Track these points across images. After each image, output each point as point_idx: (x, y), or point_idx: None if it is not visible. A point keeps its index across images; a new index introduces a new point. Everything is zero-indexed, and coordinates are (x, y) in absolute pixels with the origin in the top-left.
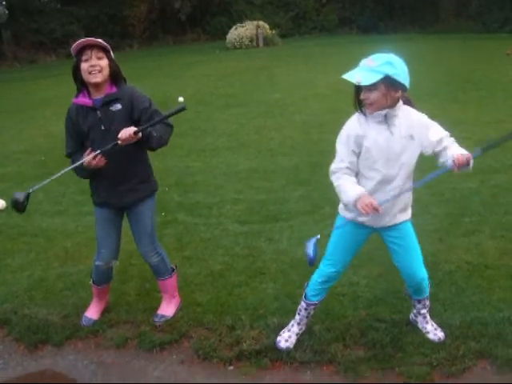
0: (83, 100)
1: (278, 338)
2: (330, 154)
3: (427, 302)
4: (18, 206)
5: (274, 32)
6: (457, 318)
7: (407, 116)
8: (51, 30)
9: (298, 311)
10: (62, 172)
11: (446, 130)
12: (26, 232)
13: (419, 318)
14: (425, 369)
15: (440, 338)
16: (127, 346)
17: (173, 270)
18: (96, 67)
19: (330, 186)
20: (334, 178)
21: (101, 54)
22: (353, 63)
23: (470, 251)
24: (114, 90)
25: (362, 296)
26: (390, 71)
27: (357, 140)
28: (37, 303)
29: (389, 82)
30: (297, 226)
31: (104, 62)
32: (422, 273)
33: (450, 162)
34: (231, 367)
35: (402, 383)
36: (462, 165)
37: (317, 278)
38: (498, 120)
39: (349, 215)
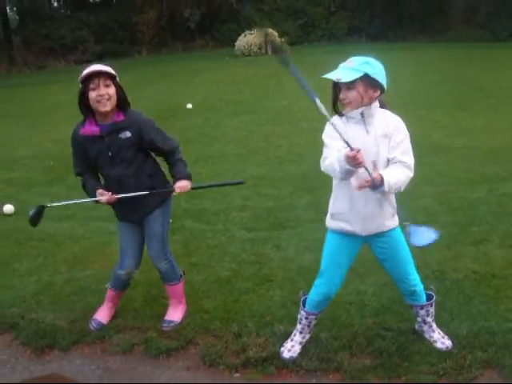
0: (90, 129)
1: (281, 349)
2: None
3: (431, 310)
4: (30, 221)
5: (282, 40)
6: (464, 327)
7: (384, 117)
8: (61, 35)
9: (299, 320)
10: (83, 201)
11: (456, 137)
12: (33, 237)
13: (425, 327)
14: (431, 378)
15: (448, 347)
16: (133, 351)
17: (181, 276)
18: (105, 96)
19: None
20: (325, 165)
21: (108, 82)
22: None
23: (478, 260)
24: (122, 117)
25: (368, 304)
26: (369, 70)
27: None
28: (44, 308)
29: (367, 81)
30: (304, 234)
31: (112, 90)
32: (415, 277)
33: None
34: (237, 374)
35: None
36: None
37: (313, 296)
38: (508, 128)
39: (336, 225)
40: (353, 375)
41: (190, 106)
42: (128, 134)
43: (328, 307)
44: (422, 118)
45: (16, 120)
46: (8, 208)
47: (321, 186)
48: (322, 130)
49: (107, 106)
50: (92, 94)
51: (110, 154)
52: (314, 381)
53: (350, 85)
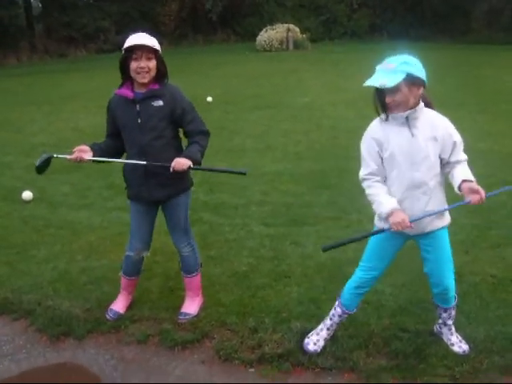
0: (125, 92)
1: (307, 340)
2: (357, 159)
3: (453, 313)
4: (37, 170)
5: (304, 36)
6: (481, 331)
7: (430, 118)
8: (83, 24)
9: (331, 316)
10: (100, 159)
11: (476, 140)
12: (51, 224)
13: (444, 330)
14: (447, 381)
15: (465, 351)
16: (148, 342)
17: (201, 265)
18: (144, 69)
19: (357, 193)
20: (365, 186)
21: (151, 55)
22: None
23: (496, 264)
24: (157, 86)
25: (385, 305)
26: (410, 69)
27: (380, 143)
28: (60, 295)
29: (410, 81)
30: (323, 231)
31: (152, 64)
32: (450, 283)
33: (466, 199)
34: (252, 369)
35: None
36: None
37: (352, 283)
38: None
39: (386, 226)
40: (368, 375)
41: (209, 98)
42: (161, 102)
43: None
44: None
45: (36, 107)
46: (27, 194)
47: (340, 184)
48: (342, 129)
49: (145, 78)
50: (133, 65)
51: (139, 120)
52: (329, 379)
53: (395, 88)
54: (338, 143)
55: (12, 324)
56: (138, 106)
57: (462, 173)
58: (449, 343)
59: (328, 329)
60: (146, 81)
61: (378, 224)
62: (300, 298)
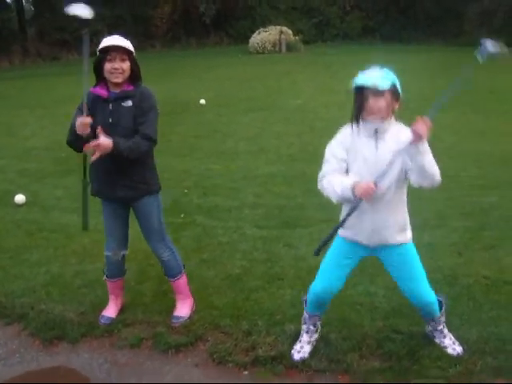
0: (100, 91)
1: (292, 351)
2: None
3: (442, 319)
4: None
5: (297, 38)
6: (474, 333)
7: (396, 131)
8: (75, 28)
9: (304, 321)
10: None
11: (468, 141)
12: (44, 228)
13: (436, 333)
14: (441, 383)
15: (459, 353)
16: (142, 346)
17: (181, 270)
18: (118, 70)
19: None
20: (323, 183)
21: (124, 57)
22: None
23: (489, 266)
24: (131, 88)
25: (379, 307)
26: (395, 81)
27: (347, 150)
28: (53, 299)
29: (393, 92)
30: (316, 234)
31: (126, 65)
32: (430, 297)
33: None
34: (246, 372)
35: None
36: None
37: (310, 295)
38: None
39: (344, 233)
40: (362, 377)
41: (203, 101)
42: (130, 102)
43: (338, 308)
44: (434, 121)
45: (29, 111)
46: (19, 198)
47: None
48: (335, 131)
49: (119, 79)
50: (107, 66)
51: (110, 120)
52: (322, 381)
53: (381, 93)
54: None
55: (5, 328)
56: (110, 106)
57: None
58: (442, 346)
59: (307, 332)
60: (119, 81)
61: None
62: (293, 301)
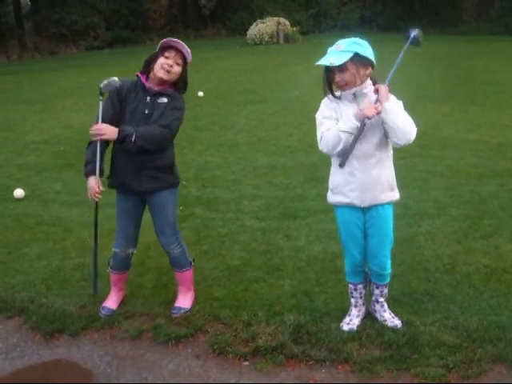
0: (144, 80)
1: (341, 324)
2: None
3: (385, 291)
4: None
5: (294, 29)
6: (474, 321)
7: (373, 93)
8: (72, 21)
9: (350, 294)
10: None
11: (466, 131)
12: (43, 221)
13: (377, 307)
14: (441, 371)
15: (397, 325)
16: (142, 338)
17: (191, 263)
18: (169, 69)
19: None
20: (323, 138)
21: (180, 61)
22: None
23: (489, 254)
24: (170, 90)
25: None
26: (357, 49)
27: (335, 111)
28: (53, 293)
29: (358, 60)
30: (314, 224)
31: (178, 69)
32: (385, 261)
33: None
34: (246, 363)
35: (417, 383)
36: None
37: (346, 267)
38: None
39: (335, 199)
40: (362, 366)
41: (201, 93)
42: (165, 99)
43: (338, 298)
44: (432, 111)
45: (27, 105)
46: (19, 192)
47: None
48: None
49: (165, 76)
50: (161, 60)
51: (146, 111)
52: (322, 371)
53: (343, 67)
54: None
55: (5, 322)
56: (148, 98)
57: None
58: (382, 320)
59: (355, 306)
60: (165, 77)
61: (330, 199)
62: (293, 291)
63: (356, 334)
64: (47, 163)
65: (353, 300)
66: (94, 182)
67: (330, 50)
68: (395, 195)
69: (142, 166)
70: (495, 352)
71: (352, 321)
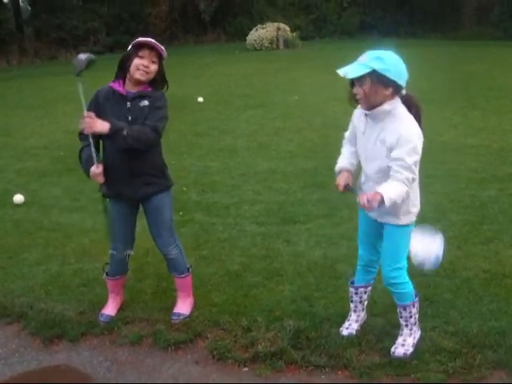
0: (119, 88)
1: (340, 329)
2: None
3: (403, 313)
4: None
5: (294, 34)
6: (474, 326)
7: (394, 122)
8: (73, 26)
9: (350, 298)
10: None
11: (467, 136)
12: (43, 227)
13: (405, 330)
14: (440, 376)
15: (394, 354)
16: (142, 343)
17: (189, 269)
18: (147, 68)
19: None
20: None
21: (156, 59)
22: None
23: (489, 259)
24: (149, 89)
25: (378, 301)
26: (377, 66)
27: (356, 119)
28: (53, 298)
29: (376, 77)
30: (314, 229)
31: (154, 67)
32: (392, 277)
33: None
34: (246, 368)
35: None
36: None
37: (358, 261)
38: None
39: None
40: (361, 372)
41: (200, 99)
42: (146, 102)
43: (337, 303)
44: (432, 116)
45: (27, 110)
46: (18, 198)
47: (331, 181)
48: (334, 127)
49: (143, 76)
50: (137, 61)
51: (129, 118)
52: (322, 377)
53: (360, 81)
54: (330, 141)
55: (4, 328)
56: (128, 104)
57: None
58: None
59: (354, 311)
60: (142, 78)
61: None
62: (293, 296)
63: (356, 339)
64: (47, 168)
65: (352, 305)
66: (93, 169)
67: (358, 59)
68: (397, 220)
69: (133, 173)
70: (495, 358)
71: (351, 325)
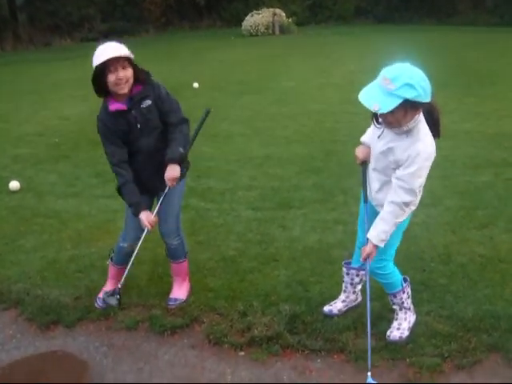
0: (117, 106)
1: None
2: (343, 143)
3: (394, 300)
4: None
5: (290, 20)
6: (469, 310)
7: (408, 140)
8: (67, 13)
9: (342, 278)
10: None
11: (462, 122)
12: (39, 213)
13: (400, 314)
14: (436, 360)
15: (389, 337)
16: (138, 328)
17: (186, 254)
18: (123, 79)
19: (343, 175)
20: None
21: (125, 64)
22: (368, 53)
23: (484, 244)
24: (140, 88)
25: (374, 286)
26: (410, 95)
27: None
28: (49, 284)
29: (409, 105)
30: (310, 214)
31: (129, 72)
32: (374, 268)
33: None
34: (242, 353)
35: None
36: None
37: (356, 248)
38: None
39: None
40: (357, 356)
41: (196, 85)
42: (149, 101)
43: (334, 287)
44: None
45: (22, 96)
46: (14, 184)
47: (326, 166)
48: (329, 112)
49: (125, 89)
50: (111, 78)
51: (138, 126)
52: (318, 361)
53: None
54: (325, 127)
55: (1, 314)
56: (133, 112)
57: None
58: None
59: (344, 291)
60: (126, 91)
61: None
62: (288, 281)
63: (351, 323)
64: (42, 155)
65: (343, 285)
66: (145, 216)
67: (379, 80)
68: None
69: (158, 170)
70: (490, 341)
71: (335, 304)
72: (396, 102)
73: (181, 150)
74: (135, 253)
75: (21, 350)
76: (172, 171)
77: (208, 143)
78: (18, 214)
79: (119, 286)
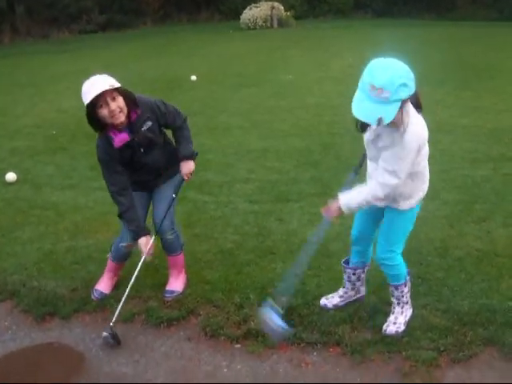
0: (122, 137)
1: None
2: (341, 136)
3: (395, 293)
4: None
5: (288, 13)
6: (465, 304)
7: (401, 136)
8: (65, 5)
9: (343, 272)
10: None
11: (460, 116)
12: (36, 205)
13: (397, 308)
14: (432, 354)
15: (386, 331)
16: (134, 321)
17: (182, 246)
18: (116, 110)
19: (341, 169)
20: None
21: (114, 94)
22: (366, 47)
23: (481, 238)
24: (138, 112)
25: (370, 279)
26: (405, 94)
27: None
28: (45, 276)
29: (403, 102)
30: (307, 207)
31: (120, 102)
32: (383, 257)
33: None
34: (238, 345)
35: None
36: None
37: (351, 241)
38: None
39: None
40: (353, 349)
41: (194, 77)
42: (149, 123)
43: (331, 281)
44: (426, 96)
45: (19, 89)
46: (11, 176)
47: (324, 160)
48: (327, 106)
49: (122, 117)
50: (104, 112)
51: (142, 150)
52: (314, 354)
53: None
54: (323, 120)
55: None
56: (136, 139)
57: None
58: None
59: (343, 286)
60: (122, 119)
61: None
62: (285, 274)
63: (348, 316)
64: (39, 147)
65: (343, 280)
66: (144, 242)
67: (369, 92)
68: (395, 204)
69: (160, 174)
70: (486, 335)
71: (333, 298)
72: (396, 107)
73: (191, 146)
74: (138, 267)
75: (16, 342)
76: (187, 166)
77: (206, 136)
78: (15, 205)
79: (111, 324)
